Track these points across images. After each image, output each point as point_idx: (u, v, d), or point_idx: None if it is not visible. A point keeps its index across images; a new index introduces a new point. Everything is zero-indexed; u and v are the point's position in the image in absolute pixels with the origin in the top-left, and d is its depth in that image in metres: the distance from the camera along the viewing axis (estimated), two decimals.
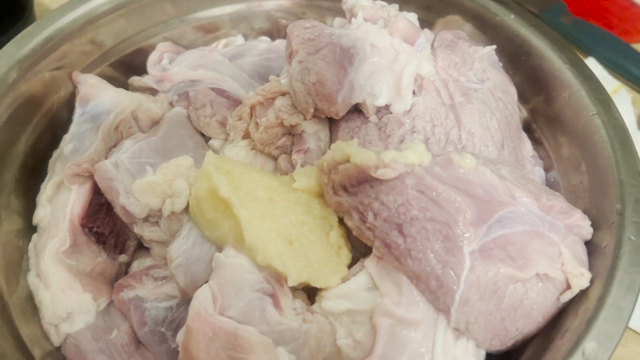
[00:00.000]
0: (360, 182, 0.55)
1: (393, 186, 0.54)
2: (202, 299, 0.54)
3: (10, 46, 0.71)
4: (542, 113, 0.74)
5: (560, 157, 0.70)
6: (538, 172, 0.70)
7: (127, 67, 0.85)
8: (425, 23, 0.80)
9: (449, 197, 0.53)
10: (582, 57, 0.72)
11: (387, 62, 0.64)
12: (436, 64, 0.67)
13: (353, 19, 0.69)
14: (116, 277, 0.68)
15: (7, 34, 0.97)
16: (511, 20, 0.75)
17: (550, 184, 0.70)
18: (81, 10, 0.77)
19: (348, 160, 0.55)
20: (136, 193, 0.63)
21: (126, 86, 0.83)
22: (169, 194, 0.63)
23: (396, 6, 0.71)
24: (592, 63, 1.09)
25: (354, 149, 0.55)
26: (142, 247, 0.71)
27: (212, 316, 0.53)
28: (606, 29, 1.19)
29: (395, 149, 0.56)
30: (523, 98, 0.74)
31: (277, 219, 0.58)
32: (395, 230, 0.53)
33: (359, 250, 0.61)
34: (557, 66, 0.70)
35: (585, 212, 0.59)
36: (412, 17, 0.71)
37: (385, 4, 0.71)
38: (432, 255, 0.52)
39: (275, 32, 0.93)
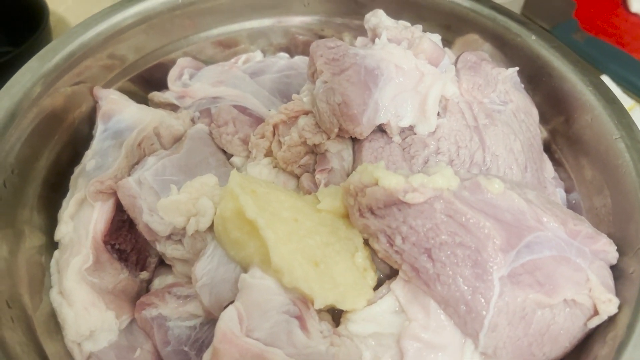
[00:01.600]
0: (388, 205, 0.56)
1: (422, 210, 0.54)
2: (228, 320, 0.54)
3: (33, 62, 0.71)
4: (562, 134, 0.74)
5: (582, 179, 0.70)
6: (559, 194, 0.70)
7: (146, 82, 0.85)
8: (445, 42, 0.80)
9: (478, 223, 0.53)
10: None
11: (411, 83, 0.64)
12: (460, 85, 0.67)
13: (377, 39, 0.69)
14: (137, 295, 0.68)
15: (24, 45, 0.98)
16: (532, 42, 0.75)
17: (572, 206, 0.70)
18: (103, 26, 0.77)
19: (376, 183, 0.56)
20: (161, 212, 0.63)
21: (145, 101, 0.83)
22: (194, 213, 0.63)
23: (420, 27, 0.71)
24: (605, 81, 1.09)
25: (381, 172, 0.55)
26: (163, 264, 0.71)
27: (239, 338, 0.53)
28: (618, 46, 1.20)
29: (423, 172, 0.56)
30: (543, 119, 0.75)
31: (303, 240, 0.58)
32: (424, 255, 0.54)
33: (383, 271, 0.61)
34: (578, 88, 0.70)
35: (609, 236, 0.59)
36: (436, 38, 0.71)
37: (408, 24, 0.72)
38: (461, 280, 0.52)
39: (293, 47, 0.93)
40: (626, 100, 1.06)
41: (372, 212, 0.57)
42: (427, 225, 0.54)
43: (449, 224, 0.53)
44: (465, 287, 0.52)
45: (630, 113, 1.02)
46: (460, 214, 0.53)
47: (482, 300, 0.52)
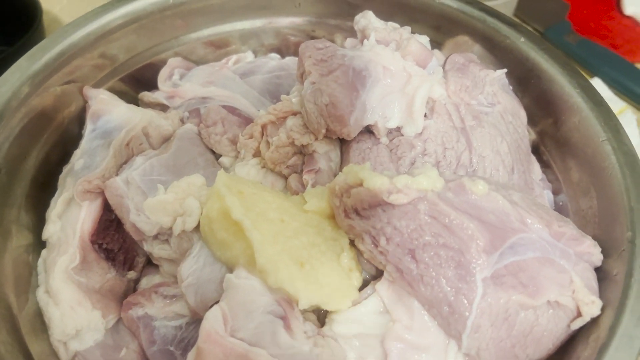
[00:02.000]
0: (373, 206, 0.56)
1: (406, 211, 0.54)
2: (212, 319, 0.54)
3: (23, 61, 0.71)
4: (551, 136, 0.74)
5: (569, 181, 0.70)
6: (547, 196, 0.70)
7: (137, 82, 0.85)
8: (435, 43, 0.81)
9: (462, 224, 0.53)
10: (587, 77, 0.72)
11: (399, 84, 0.65)
12: (448, 87, 0.67)
13: (365, 40, 0.69)
14: (125, 294, 0.68)
15: (17, 44, 0.98)
16: (521, 44, 0.75)
17: (559, 208, 0.70)
18: (94, 26, 0.77)
19: (361, 184, 0.56)
20: (147, 211, 0.63)
21: (136, 101, 0.84)
22: (180, 213, 0.63)
23: (408, 29, 0.71)
24: (597, 84, 1.09)
25: (366, 173, 0.55)
26: (150, 264, 0.71)
27: (223, 338, 0.53)
28: (611, 48, 1.20)
29: (408, 173, 0.56)
30: (532, 120, 0.75)
31: (289, 241, 0.58)
32: (408, 256, 0.54)
33: (369, 272, 0.61)
34: (567, 90, 0.70)
35: (594, 237, 0.59)
36: (424, 40, 0.72)
37: (397, 26, 0.72)
38: (444, 281, 0.52)
39: (285, 48, 0.93)
40: (617, 103, 1.06)
41: (357, 213, 0.57)
42: (411, 226, 0.54)
43: (433, 225, 0.53)
44: (449, 288, 0.52)
45: (622, 115, 1.03)
46: (444, 215, 0.53)
47: (465, 302, 0.52)
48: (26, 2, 1.10)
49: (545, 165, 0.74)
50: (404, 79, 0.65)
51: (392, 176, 0.55)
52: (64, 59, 0.75)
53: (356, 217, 0.57)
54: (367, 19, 0.72)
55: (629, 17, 1.31)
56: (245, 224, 0.56)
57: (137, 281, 0.71)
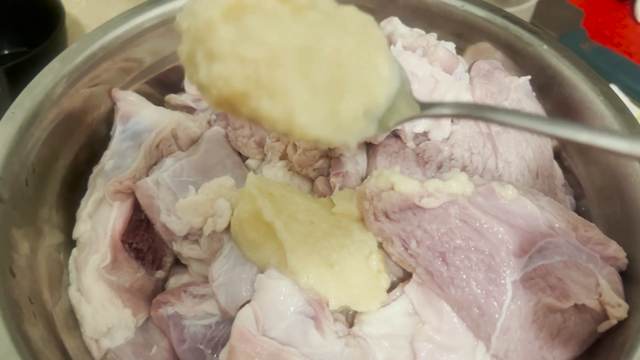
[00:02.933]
0: (403, 209, 0.57)
1: (436, 215, 0.55)
2: (244, 319, 0.55)
3: (55, 63, 0.72)
4: (572, 142, 0.75)
5: (592, 186, 0.71)
6: (569, 201, 0.71)
7: (162, 85, 0.87)
8: (456, 50, 0.82)
9: (492, 228, 0.54)
10: None
11: (426, 90, 0.66)
12: (474, 93, 0.68)
13: (392, 46, 0.71)
14: (153, 293, 0.69)
15: (40, 46, 0.99)
16: (544, 51, 0.77)
17: (581, 213, 0.71)
18: (122, 29, 0.79)
19: (391, 188, 0.57)
20: (179, 212, 0.64)
21: (162, 103, 0.84)
22: (211, 214, 0.64)
23: (435, 35, 0.72)
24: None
25: (397, 177, 0.57)
26: (178, 264, 0.72)
27: (255, 336, 0.54)
28: (625, 55, 1.21)
29: (438, 178, 0.58)
30: None
31: (318, 242, 0.60)
32: (438, 259, 0.55)
33: (396, 274, 0.62)
34: (589, 97, 0.71)
35: (619, 242, 0.60)
36: (450, 46, 0.73)
37: (423, 32, 0.73)
38: (475, 284, 0.53)
39: None
40: (633, 110, 1.06)
41: (387, 216, 0.58)
42: (442, 229, 0.55)
43: (463, 229, 0.55)
44: (479, 291, 0.53)
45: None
46: (475, 219, 0.55)
47: (495, 304, 0.53)
48: (49, 4, 1.11)
49: (566, 170, 0.75)
50: (431, 84, 0.66)
51: (422, 180, 0.56)
52: (93, 62, 0.76)
53: (386, 220, 0.58)
54: (393, 25, 0.74)
55: None
56: (276, 225, 0.58)
57: (165, 280, 0.72)
